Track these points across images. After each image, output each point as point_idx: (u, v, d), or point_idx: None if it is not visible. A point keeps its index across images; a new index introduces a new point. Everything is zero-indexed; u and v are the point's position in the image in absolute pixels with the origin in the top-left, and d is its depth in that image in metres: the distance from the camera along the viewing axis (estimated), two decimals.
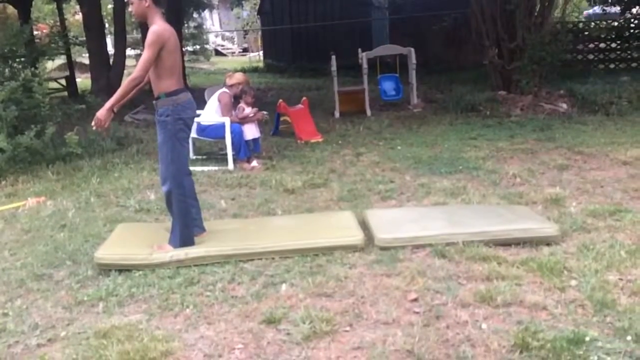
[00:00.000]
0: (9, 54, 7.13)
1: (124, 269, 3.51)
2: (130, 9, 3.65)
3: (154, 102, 3.70)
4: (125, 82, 3.58)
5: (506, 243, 3.61)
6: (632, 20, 13.33)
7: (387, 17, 16.57)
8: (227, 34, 30.58)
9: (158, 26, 3.54)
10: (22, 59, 7.45)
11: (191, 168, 5.99)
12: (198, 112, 6.51)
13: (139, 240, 3.79)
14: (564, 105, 8.64)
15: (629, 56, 13.13)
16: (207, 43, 24.38)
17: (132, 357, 2.54)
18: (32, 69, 6.71)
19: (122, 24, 12.85)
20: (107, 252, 3.58)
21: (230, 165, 6.05)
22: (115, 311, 3.05)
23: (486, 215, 4.04)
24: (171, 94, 3.61)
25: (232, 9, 27.10)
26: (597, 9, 14.18)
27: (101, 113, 3.61)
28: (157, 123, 3.70)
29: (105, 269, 3.53)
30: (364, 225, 3.92)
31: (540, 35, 8.93)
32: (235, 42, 30.65)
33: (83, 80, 15.77)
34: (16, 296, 3.31)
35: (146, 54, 3.52)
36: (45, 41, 9.11)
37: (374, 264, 3.44)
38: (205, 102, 6.61)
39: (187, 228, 3.70)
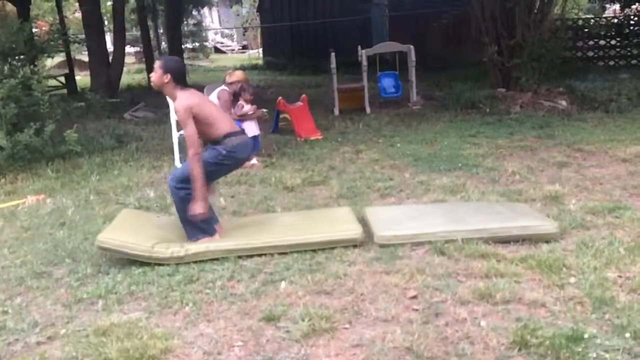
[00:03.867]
0: (8, 52, 7.11)
1: (123, 266, 3.51)
2: (152, 76, 3.77)
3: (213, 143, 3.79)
4: (192, 163, 3.58)
5: (505, 240, 3.62)
6: (632, 17, 13.33)
7: (386, 14, 16.55)
8: (227, 31, 30.58)
9: (180, 100, 3.63)
10: (22, 57, 7.43)
11: None
12: None
13: (141, 229, 3.79)
14: (564, 103, 8.64)
15: (628, 53, 13.13)
16: (207, 40, 24.40)
17: (132, 355, 2.54)
18: (32, 66, 6.70)
19: (122, 22, 12.85)
20: (109, 237, 3.58)
21: None
22: (114, 309, 3.05)
23: (485, 212, 4.04)
24: (227, 135, 3.72)
25: (231, 6, 27.08)
26: None
27: (199, 207, 3.59)
28: (212, 148, 3.76)
29: (104, 261, 3.54)
30: (364, 223, 3.92)
31: (540, 32, 8.93)
32: (235, 40, 30.64)
33: (82, 78, 15.76)
34: (16, 294, 3.31)
35: (188, 130, 3.62)
36: (44, 39, 9.08)
37: (373, 262, 3.45)
38: None
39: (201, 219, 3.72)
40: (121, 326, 2.81)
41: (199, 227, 3.73)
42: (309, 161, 6.13)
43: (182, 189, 3.68)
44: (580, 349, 2.42)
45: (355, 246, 3.65)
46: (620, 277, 3.10)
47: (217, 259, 3.55)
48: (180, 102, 3.63)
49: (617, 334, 2.55)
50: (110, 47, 13.82)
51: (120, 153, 6.86)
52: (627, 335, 2.52)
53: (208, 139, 3.78)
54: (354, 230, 3.71)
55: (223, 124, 3.75)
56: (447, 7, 12.80)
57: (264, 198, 4.89)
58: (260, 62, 20.89)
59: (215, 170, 3.81)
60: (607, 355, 2.39)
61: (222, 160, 3.73)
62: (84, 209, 4.85)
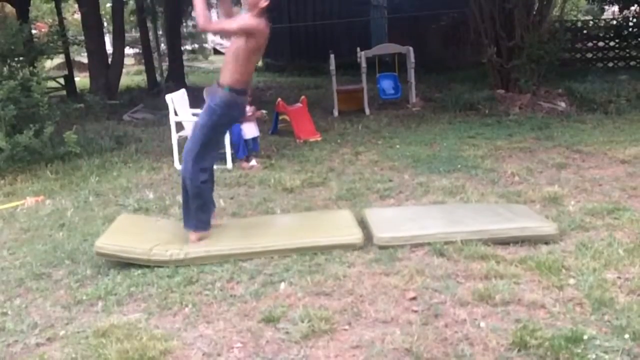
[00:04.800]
0: (8, 53, 7.11)
1: (122, 267, 3.51)
2: None
3: (216, 85, 3.81)
4: (206, 15, 3.62)
5: (505, 242, 3.62)
6: (631, 18, 13.35)
7: (385, 16, 16.57)
8: None
9: (254, 18, 3.69)
10: (21, 58, 7.44)
11: None
12: (196, 111, 6.56)
13: (139, 233, 3.79)
14: (563, 104, 8.65)
15: (627, 55, 13.15)
16: (206, 42, 24.40)
17: (131, 356, 2.54)
18: (31, 68, 6.70)
19: (121, 23, 12.85)
20: (107, 242, 3.58)
21: (229, 164, 6.06)
22: (114, 310, 3.05)
23: (485, 213, 4.04)
24: (236, 92, 3.73)
25: None
26: None
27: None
28: (206, 108, 3.80)
29: (104, 262, 3.54)
30: (363, 224, 3.92)
31: (539, 34, 8.93)
32: None
33: (82, 79, 15.77)
34: (15, 295, 3.31)
35: (233, 26, 3.70)
36: (43, 40, 9.08)
37: (372, 263, 3.45)
38: (204, 101, 6.60)
39: (201, 211, 3.76)
40: (121, 327, 2.81)
41: (198, 217, 3.74)
42: (308, 162, 6.13)
43: (204, 171, 3.71)
44: (579, 350, 2.42)
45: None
46: (619, 278, 3.10)
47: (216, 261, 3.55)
48: (252, 18, 3.67)
49: (616, 335, 2.55)
50: (109, 48, 13.82)
51: (119, 154, 6.86)
52: (627, 336, 2.52)
53: (225, 75, 3.76)
54: (354, 235, 3.71)
55: (243, 77, 3.75)
56: (446, 9, 12.83)
57: (264, 199, 4.89)
58: (260, 63, 20.89)
59: (213, 137, 3.82)
60: (606, 357, 2.39)
61: (217, 120, 3.73)
62: (83, 210, 4.84)
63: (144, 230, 3.87)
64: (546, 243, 3.61)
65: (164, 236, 3.80)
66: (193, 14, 18.61)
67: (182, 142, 6.54)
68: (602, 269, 3.20)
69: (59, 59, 15.43)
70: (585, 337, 2.50)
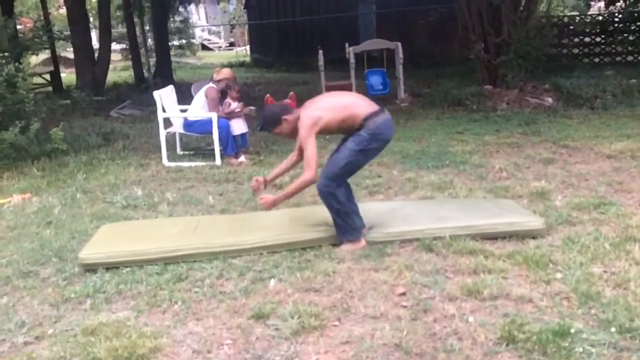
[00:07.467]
0: None
1: (111, 267, 3.49)
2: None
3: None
4: (299, 183, 3.66)
5: (492, 237, 3.64)
6: (616, 14, 13.46)
7: (374, 12, 16.58)
8: (214, 28, 30.46)
9: (305, 114, 3.68)
10: (6, 54, 7.36)
11: (179, 163, 6.05)
12: (184, 107, 6.53)
13: (124, 238, 3.77)
14: (550, 99, 8.72)
15: (613, 50, 13.26)
16: (194, 37, 24.29)
17: (121, 354, 2.53)
18: (16, 64, 6.63)
19: (107, 18, 12.74)
20: (91, 252, 3.55)
21: (218, 161, 6.04)
22: (102, 308, 3.03)
23: (473, 209, 4.06)
24: (368, 117, 3.62)
25: (218, 3, 26.99)
26: None
27: (268, 201, 3.79)
28: (352, 134, 3.64)
29: (92, 269, 3.52)
30: None
31: (526, 29, 8.99)
32: (222, 37, 30.54)
33: (68, 75, 15.63)
34: (2, 294, 3.28)
35: (309, 150, 3.61)
36: (29, 36, 9.00)
37: (361, 259, 3.46)
38: (191, 97, 6.58)
39: (348, 217, 3.64)
40: (109, 325, 2.80)
41: (349, 225, 3.63)
42: None
43: (327, 186, 3.64)
44: (566, 344, 2.45)
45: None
46: (605, 272, 3.14)
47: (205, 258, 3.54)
48: (306, 114, 3.67)
49: (602, 328, 2.58)
50: (95, 44, 13.71)
51: (107, 151, 6.81)
52: (613, 329, 2.55)
53: (350, 130, 3.65)
54: None
55: (361, 108, 3.66)
56: (434, 5, 12.86)
57: (253, 196, 4.87)
58: (248, 59, 20.82)
59: (362, 159, 3.71)
60: (593, 350, 2.42)
61: (369, 142, 3.60)
62: (70, 207, 4.81)
63: (127, 235, 3.84)
64: (533, 238, 3.64)
65: (150, 235, 3.78)
66: (180, 8, 18.50)
67: (169, 138, 6.52)
68: (588, 263, 3.24)
69: (45, 55, 15.27)
70: (572, 330, 2.53)
